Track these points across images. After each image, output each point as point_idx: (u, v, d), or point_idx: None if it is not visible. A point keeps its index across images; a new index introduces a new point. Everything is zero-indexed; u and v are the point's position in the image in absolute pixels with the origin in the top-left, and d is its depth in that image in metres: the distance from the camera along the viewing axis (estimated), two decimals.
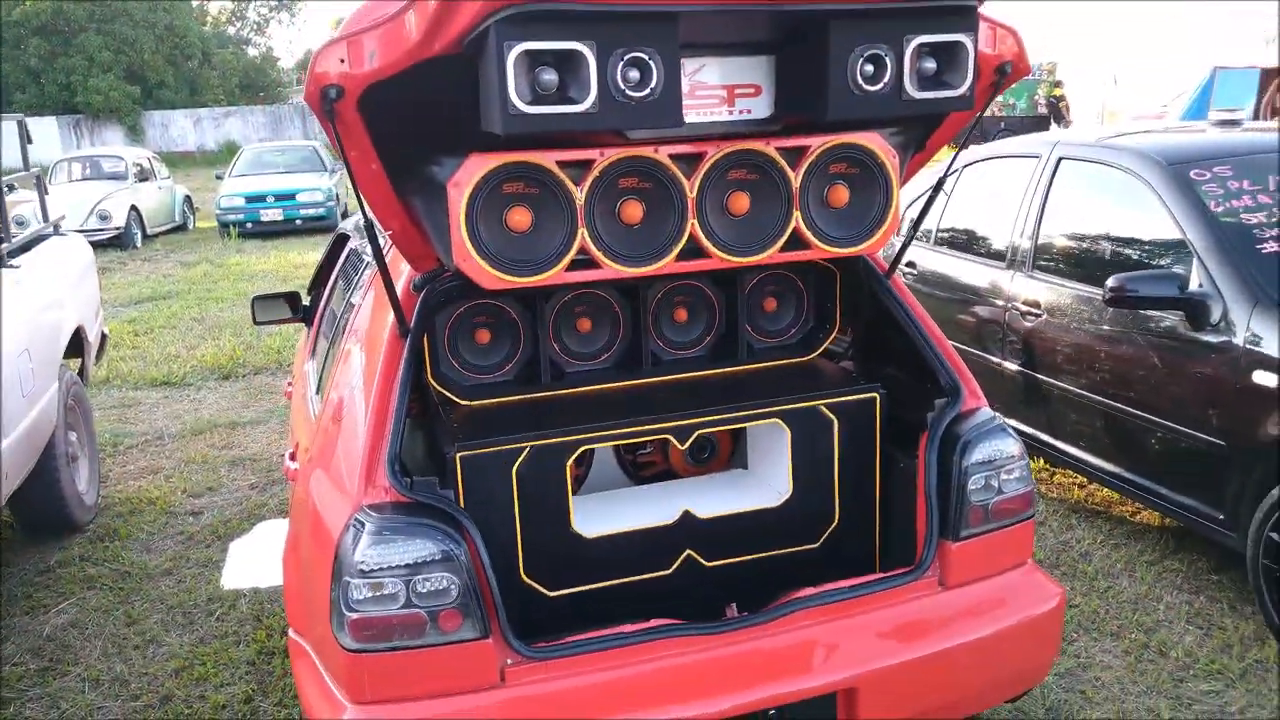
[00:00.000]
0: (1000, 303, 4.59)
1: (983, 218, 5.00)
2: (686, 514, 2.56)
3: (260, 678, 3.44)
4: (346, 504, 2.22)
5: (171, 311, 9.98)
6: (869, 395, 2.65)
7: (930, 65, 2.07)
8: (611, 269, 2.24)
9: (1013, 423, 4.45)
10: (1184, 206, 3.74)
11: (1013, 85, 2.41)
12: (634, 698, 2.20)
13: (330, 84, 1.92)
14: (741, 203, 2.29)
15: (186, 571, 4.27)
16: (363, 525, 2.14)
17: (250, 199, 15.76)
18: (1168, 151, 4.01)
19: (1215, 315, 3.47)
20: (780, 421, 2.59)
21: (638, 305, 2.78)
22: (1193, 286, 3.57)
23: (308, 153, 17.63)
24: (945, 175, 2.74)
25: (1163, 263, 3.81)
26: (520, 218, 2.15)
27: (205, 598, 4.02)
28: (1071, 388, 4.13)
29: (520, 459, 2.38)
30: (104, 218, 14.46)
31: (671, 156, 2.21)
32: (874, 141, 2.35)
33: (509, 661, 2.16)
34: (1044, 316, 4.29)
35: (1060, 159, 4.51)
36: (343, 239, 4.27)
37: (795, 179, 2.30)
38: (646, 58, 1.86)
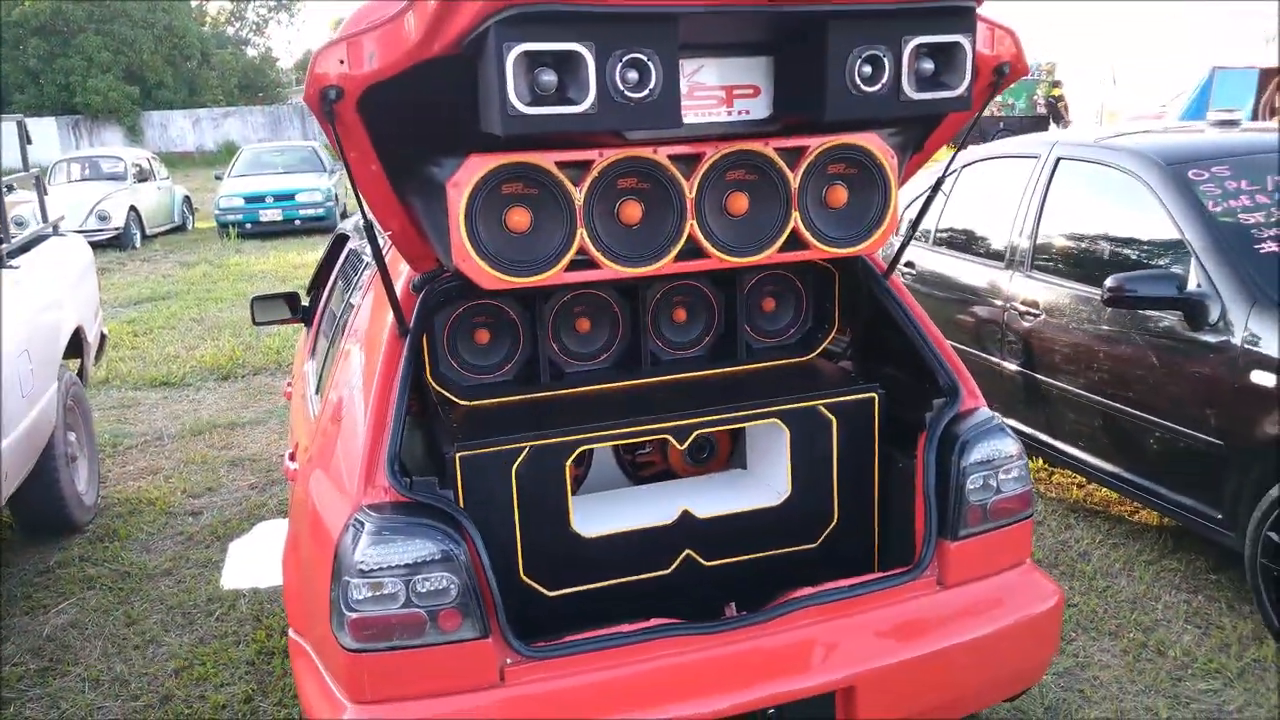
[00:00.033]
0: (999, 303, 4.59)
1: (981, 218, 5.01)
2: (685, 514, 2.56)
3: (260, 677, 3.44)
4: (346, 504, 2.23)
5: (171, 312, 9.98)
6: (867, 395, 2.66)
7: (928, 66, 2.08)
8: (610, 269, 2.24)
9: (1012, 422, 4.46)
10: (1182, 206, 3.75)
11: (1011, 85, 2.42)
12: (633, 697, 2.20)
13: (330, 85, 1.93)
14: (740, 203, 2.30)
15: (186, 572, 4.27)
16: (362, 525, 2.15)
17: (249, 199, 15.76)
18: (1166, 152, 4.01)
19: (1213, 315, 3.48)
20: (779, 421, 2.59)
21: (637, 305, 2.78)
22: (1191, 286, 3.57)
23: (307, 153, 17.63)
24: (943, 175, 2.74)
25: (1161, 263, 3.82)
26: (519, 218, 2.16)
27: (205, 598, 4.03)
28: (1070, 387, 4.14)
29: (519, 459, 2.38)
30: (103, 218, 14.46)
31: (670, 157, 2.22)
32: (872, 142, 2.35)
33: (508, 661, 2.17)
34: (1043, 316, 4.30)
35: (1059, 159, 4.51)
36: (342, 239, 4.27)
37: (794, 179, 2.31)
38: (645, 59, 1.87)
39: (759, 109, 2.25)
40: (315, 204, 15.72)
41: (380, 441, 2.25)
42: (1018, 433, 3.86)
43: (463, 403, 2.68)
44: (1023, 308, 4.42)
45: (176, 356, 8.11)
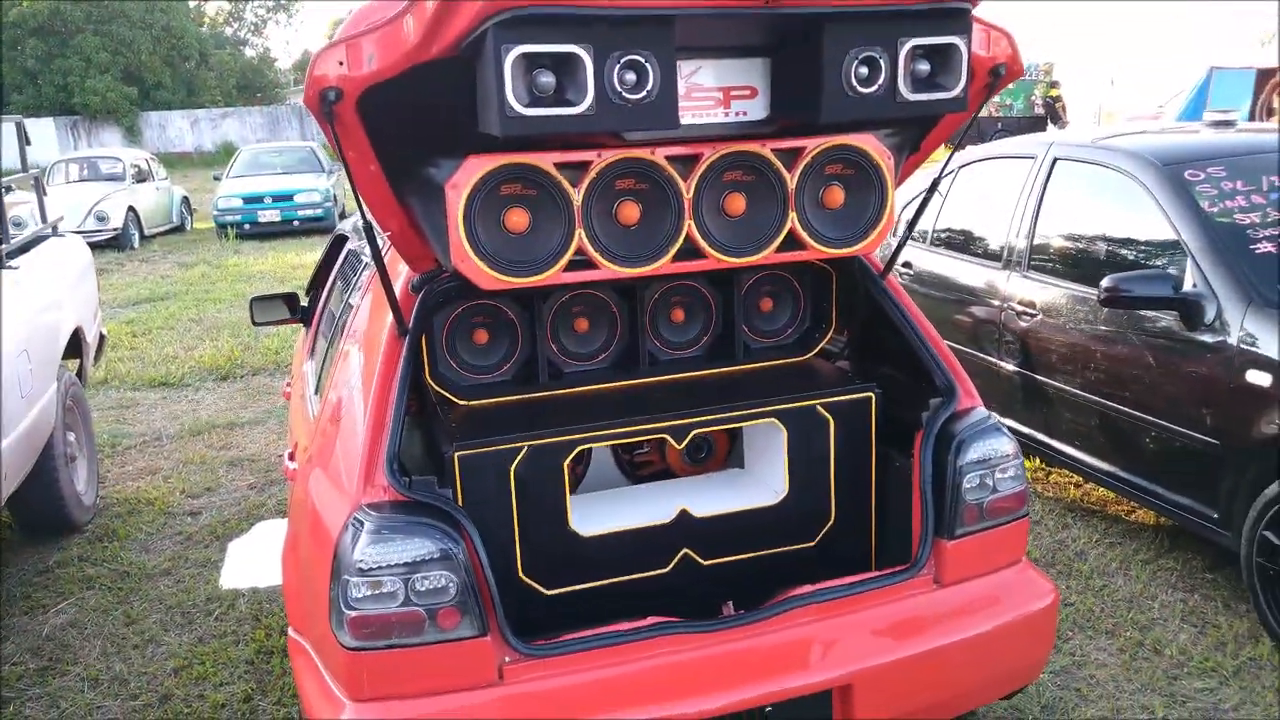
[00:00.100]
0: (996, 303, 4.61)
1: (979, 218, 5.02)
2: (683, 513, 2.57)
3: (259, 677, 3.45)
4: (345, 503, 2.24)
5: (169, 312, 9.98)
6: (865, 395, 2.67)
7: (924, 67, 2.09)
8: (609, 269, 2.25)
9: (1009, 422, 4.47)
10: (1178, 207, 3.76)
11: (1010, 86, 2.44)
12: (631, 695, 2.21)
13: (329, 86, 1.94)
14: (737, 204, 2.31)
15: (185, 571, 4.28)
16: (361, 524, 2.15)
17: (248, 200, 15.76)
18: (1162, 152, 4.03)
19: (1209, 315, 3.49)
20: (776, 421, 2.60)
21: (635, 305, 2.79)
22: (1187, 286, 3.59)
23: (305, 154, 17.63)
24: (940, 176, 2.76)
25: (1158, 263, 3.83)
26: (518, 219, 2.17)
27: (204, 597, 4.03)
28: (1067, 387, 4.15)
29: (518, 458, 2.39)
30: (101, 219, 14.45)
31: (668, 158, 2.23)
32: (869, 143, 2.37)
33: (507, 659, 2.18)
34: (1039, 316, 4.31)
35: (1055, 160, 4.53)
36: (341, 240, 4.28)
37: (791, 180, 2.32)
38: (643, 60, 1.88)
39: (756, 110, 2.27)
40: (314, 204, 15.72)
41: (379, 441, 2.26)
42: (1015, 432, 3.87)
43: (461, 402, 2.69)
44: (1020, 308, 4.43)
45: (175, 357, 8.11)
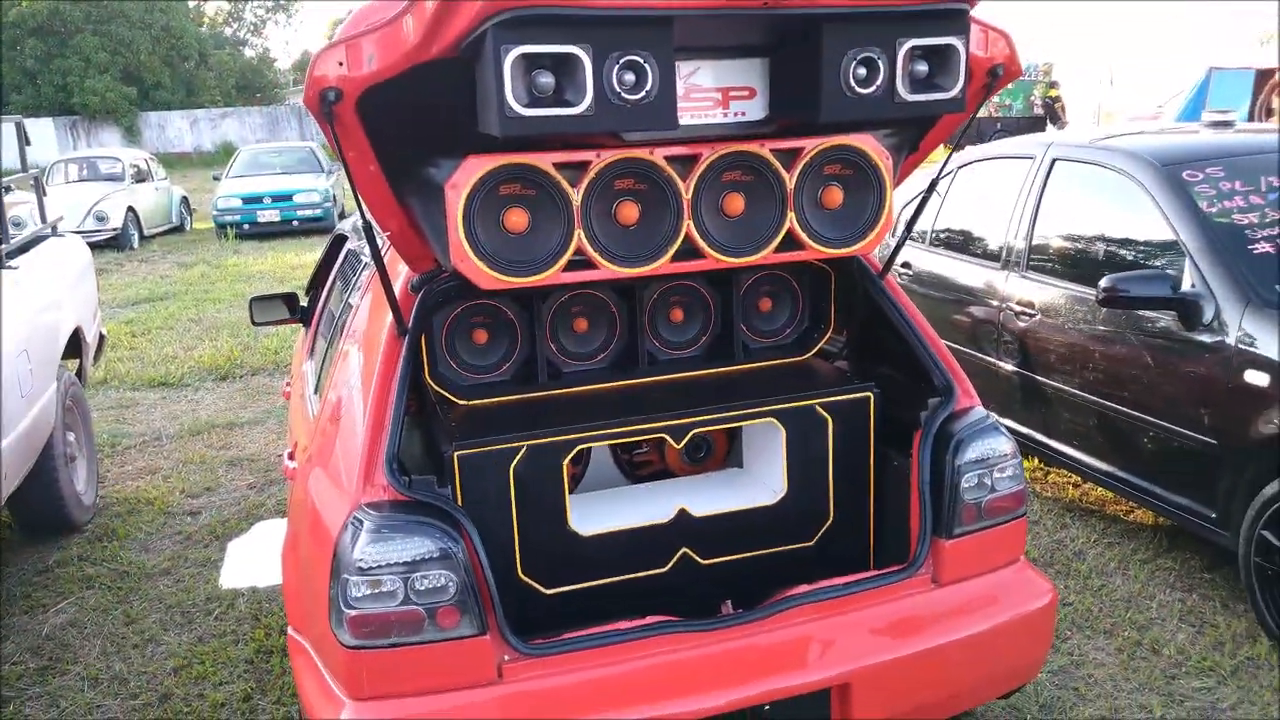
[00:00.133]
0: (995, 303, 4.61)
1: (978, 218, 5.03)
2: (682, 512, 2.57)
3: (259, 676, 3.46)
4: (345, 502, 2.24)
5: (169, 312, 9.99)
6: (863, 395, 2.67)
7: (922, 68, 2.10)
8: (608, 269, 2.26)
9: (1008, 422, 4.48)
10: (1176, 207, 3.77)
11: (1009, 86, 2.45)
12: (630, 693, 2.22)
13: (329, 86, 1.94)
14: (736, 204, 2.32)
15: (185, 571, 4.29)
16: (361, 523, 2.16)
17: (247, 200, 15.76)
18: (1160, 152, 4.03)
19: (1208, 315, 3.50)
20: (775, 421, 2.61)
21: (634, 305, 2.80)
22: (1185, 286, 3.59)
23: (305, 154, 17.64)
24: (938, 176, 2.76)
25: (1156, 263, 3.83)
26: (517, 219, 2.17)
27: (204, 597, 4.04)
28: (1066, 387, 4.16)
29: (517, 458, 2.40)
30: (101, 219, 14.46)
31: (667, 158, 2.24)
32: (867, 143, 2.37)
33: (506, 658, 2.18)
34: (1038, 317, 4.32)
35: (1054, 160, 4.53)
36: (340, 240, 4.29)
37: (789, 180, 2.33)
38: (642, 61, 1.88)
39: (755, 110, 2.27)
40: (313, 205, 15.72)
41: (379, 440, 2.26)
42: (1014, 432, 3.88)
43: (461, 402, 2.70)
44: (1018, 308, 4.44)
45: (175, 357, 8.12)
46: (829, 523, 2.71)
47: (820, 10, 1.98)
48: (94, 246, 9.41)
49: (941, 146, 2.77)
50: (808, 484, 2.66)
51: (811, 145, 2.33)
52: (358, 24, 1.94)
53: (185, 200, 17.75)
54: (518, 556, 2.44)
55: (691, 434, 2.56)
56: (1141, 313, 3.76)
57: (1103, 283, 3.67)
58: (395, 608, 2.13)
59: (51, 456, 4.40)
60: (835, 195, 2.39)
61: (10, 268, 4.43)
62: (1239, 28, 20.20)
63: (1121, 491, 4.02)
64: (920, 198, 2.72)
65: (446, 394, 2.69)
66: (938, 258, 5.19)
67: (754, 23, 2.10)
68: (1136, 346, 3.79)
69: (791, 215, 2.35)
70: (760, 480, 2.78)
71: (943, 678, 2.46)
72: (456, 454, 2.36)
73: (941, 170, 2.82)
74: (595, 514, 2.60)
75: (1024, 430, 4.48)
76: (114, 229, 14.57)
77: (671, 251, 2.29)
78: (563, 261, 2.22)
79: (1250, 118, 14.74)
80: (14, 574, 4.31)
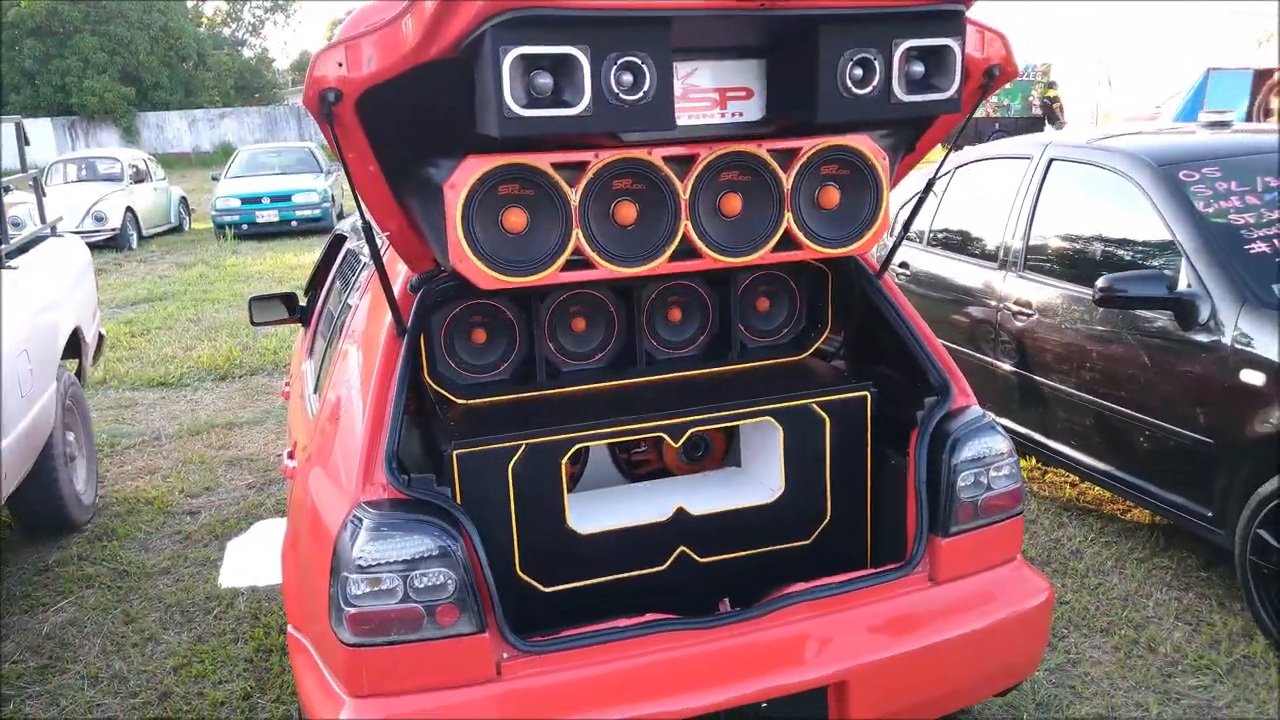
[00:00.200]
0: (992, 303, 4.62)
1: (975, 219, 5.04)
2: (680, 511, 2.58)
3: (258, 674, 3.47)
4: (344, 501, 2.25)
5: (168, 312, 9.99)
6: (860, 394, 2.68)
7: (918, 69, 2.11)
8: (606, 269, 2.27)
9: (1005, 422, 4.49)
10: (1173, 207, 3.78)
11: (1007, 86, 2.46)
12: (628, 691, 2.23)
13: (329, 87, 1.95)
14: (734, 204, 2.33)
15: (184, 570, 4.29)
16: (360, 521, 2.17)
17: (246, 200, 15.77)
18: (1157, 153, 4.05)
19: (1204, 315, 3.51)
20: (773, 420, 2.62)
21: (632, 305, 2.81)
22: (1181, 286, 3.60)
23: (303, 154, 17.65)
24: (935, 176, 2.77)
25: (1153, 263, 3.85)
26: (516, 219, 2.19)
27: (203, 596, 4.05)
28: (1063, 387, 4.17)
29: (516, 457, 2.41)
30: (100, 219, 14.46)
31: (665, 158, 2.25)
32: (864, 143, 2.39)
33: (505, 655, 2.19)
34: (1035, 316, 4.33)
35: (1051, 160, 4.55)
36: (340, 240, 4.30)
37: (787, 180, 2.34)
38: (639, 62, 1.89)
39: (752, 111, 2.28)
40: (312, 205, 15.73)
41: (378, 439, 2.27)
42: (1011, 432, 3.89)
43: (460, 401, 2.71)
44: (1016, 308, 4.45)
45: (174, 357, 8.12)
46: (826, 521, 2.72)
47: (817, 11, 1.99)
48: (93, 247, 9.42)
49: (939, 146, 2.78)
50: (805, 483, 2.67)
51: (809, 145, 2.34)
52: (357, 25, 1.95)
53: (184, 200, 17.75)
54: (516, 555, 2.45)
55: (689, 433, 2.57)
56: (1138, 312, 3.77)
57: (1099, 282, 3.68)
58: (394, 605, 2.14)
59: (51, 456, 4.41)
60: (832, 195, 2.40)
61: (10, 268, 4.43)
62: (1237, 28, 20.22)
63: (1118, 490, 4.04)
64: (917, 198, 2.73)
65: (445, 393, 2.70)
66: (935, 258, 5.20)
67: (751, 24, 2.11)
68: (1133, 346, 3.80)
69: (789, 215, 2.36)
70: (758, 479, 2.79)
71: (939, 675, 2.47)
72: (455, 453, 2.37)
73: (938, 170, 2.84)
74: (593, 512, 2.61)
75: (1021, 430, 4.49)
76: (113, 229, 14.57)
77: (669, 251, 2.30)
78: (561, 261, 2.23)
79: (1248, 118, 14.75)
80: (14, 573, 4.32)
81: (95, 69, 33.58)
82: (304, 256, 13.29)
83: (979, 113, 2.57)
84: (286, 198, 15.76)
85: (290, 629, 2.57)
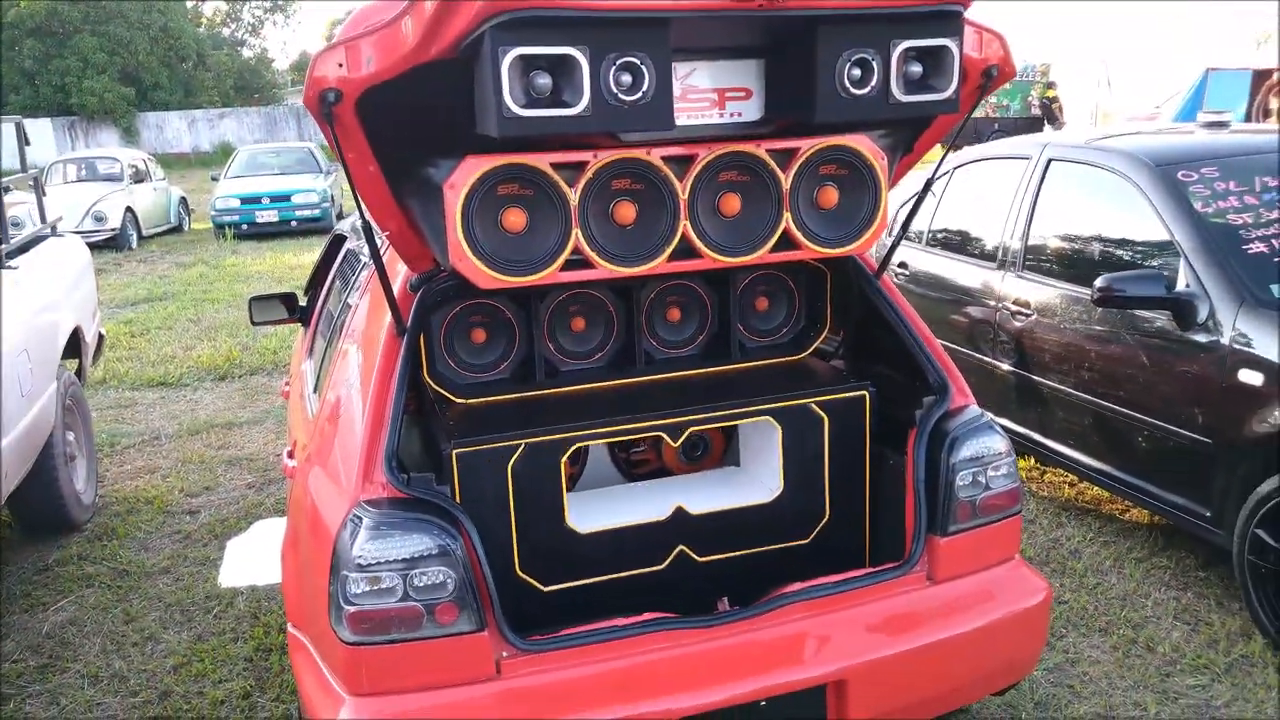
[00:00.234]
0: (991, 303, 4.63)
1: (974, 219, 5.05)
2: (679, 510, 2.59)
3: (258, 673, 3.47)
4: (344, 500, 2.26)
5: (168, 312, 10.00)
6: (859, 393, 2.69)
7: (916, 69, 2.11)
8: (605, 269, 2.28)
9: (1004, 421, 4.49)
10: (1171, 207, 3.79)
11: (1006, 87, 2.47)
12: (627, 689, 2.23)
13: (329, 88, 1.96)
14: (732, 204, 2.34)
15: (184, 570, 4.30)
16: (360, 520, 2.18)
17: (245, 200, 15.76)
18: (1155, 153, 4.05)
19: (1202, 315, 3.52)
20: (772, 419, 2.62)
21: (631, 305, 2.81)
22: (1180, 286, 3.61)
23: (303, 154, 17.65)
24: (933, 176, 2.78)
25: (1151, 263, 3.85)
26: (515, 218, 2.19)
27: (203, 595, 4.05)
28: (1061, 387, 4.18)
29: (515, 456, 2.41)
30: (99, 219, 14.45)
31: (664, 158, 2.25)
32: (862, 144, 2.39)
33: (504, 654, 2.20)
34: (1034, 316, 4.33)
35: (1050, 160, 4.55)
36: (339, 240, 4.30)
37: (785, 180, 2.35)
38: (638, 62, 1.90)
39: (751, 111, 2.29)
40: (311, 205, 15.73)
41: (378, 438, 2.28)
42: (1010, 432, 3.89)
43: (459, 401, 2.71)
44: (1014, 308, 4.45)
45: (174, 357, 8.13)
46: (825, 520, 2.72)
47: (815, 12, 2.00)
48: (93, 247, 9.41)
49: (938, 146, 2.79)
50: (804, 482, 2.68)
51: (807, 145, 2.34)
52: (357, 25, 1.96)
53: (184, 200, 17.75)
54: (516, 554, 2.46)
55: (688, 432, 2.58)
56: (1137, 312, 3.78)
57: (1098, 282, 3.69)
58: (394, 604, 2.14)
59: (51, 456, 4.42)
60: (831, 195, 2.41)
61: (10, 268, 4.44)
62: (1237, 28, 20.22)
63: (1117, 490, 4.04)
64: (916, 198, 2.74)
65: (445, 392, 2.71)
66: (934, 258, 5.21)
67: (750, 24, 2.12)
68: (1132, 346, 3.81)
69: (787, 215, 2.37)
70: (757, 478, 2.80)
71: (938, 674, 2.48)
72: (455, 452, 2.37)
73: (937, 170, 2.84)
74: (593, 512, 2.62)
75: (1020, 429, 4.50)
76: (113, 229, 14.57)
77: (668, 251, 2.31)
78: (560, 261, 2.23)
79: (1248, 118, 14.76)
80: (14, 573, 4.33)
81: (95, 69, 33.57)
82: (303, 256, 13.29)
83: (978, 113, 2.58)
84: (286, 198, 15.76)
85: (290, 628, 2.58)
